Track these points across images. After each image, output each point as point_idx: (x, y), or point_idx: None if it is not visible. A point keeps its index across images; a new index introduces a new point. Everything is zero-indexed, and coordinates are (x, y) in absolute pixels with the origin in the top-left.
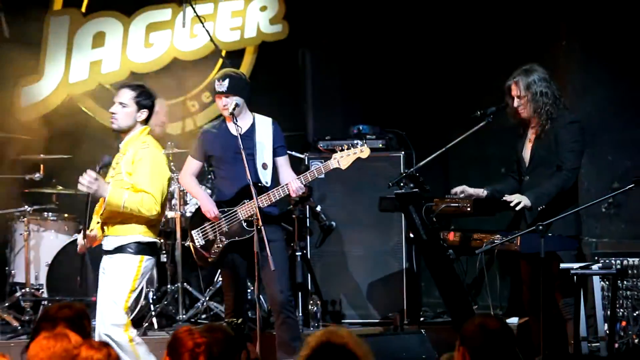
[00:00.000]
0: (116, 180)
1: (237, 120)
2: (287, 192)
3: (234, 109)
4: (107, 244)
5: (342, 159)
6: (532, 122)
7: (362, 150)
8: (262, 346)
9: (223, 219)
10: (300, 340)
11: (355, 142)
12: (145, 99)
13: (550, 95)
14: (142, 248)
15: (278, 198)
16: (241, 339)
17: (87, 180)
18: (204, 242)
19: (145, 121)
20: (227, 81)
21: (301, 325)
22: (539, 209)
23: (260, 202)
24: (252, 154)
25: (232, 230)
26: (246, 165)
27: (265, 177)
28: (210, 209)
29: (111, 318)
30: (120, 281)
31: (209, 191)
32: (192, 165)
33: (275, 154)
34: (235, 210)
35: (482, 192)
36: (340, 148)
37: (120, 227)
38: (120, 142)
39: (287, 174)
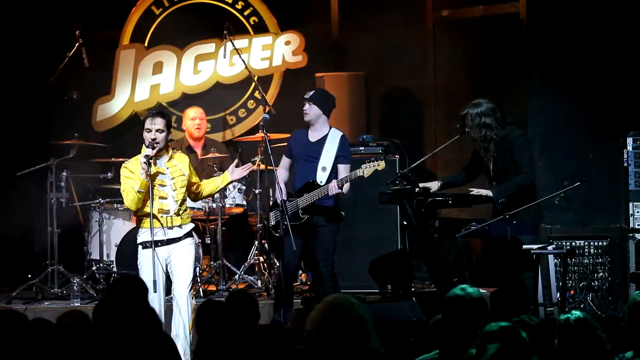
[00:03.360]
0: (177, 181)
1: (265, 131)
2: (327, 192)
3: (263, 121)
4: (178, 233)
5: (366, 170)
6: None
7: (379, 164)
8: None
9: (289, 206)
10: None
11: (374, 158)
12: (170, 122)
13: (494, 126)
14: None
15: (321, 196)
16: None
17: (144, 161)
18: (274, 223)
19: None
20: (313, 92)
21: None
22: (500, 201)
23: (310, 197)
24: (317, 158)
25: (292, 215)
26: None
27: (321, 178)
28: (276, 197)
29: (189, 284)
30: (193, 258)
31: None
32: (283, 161)
33: (337, 161)
34: (296, 201)
35: (436, 184)
36: (366, 161)
37: (187, 216)
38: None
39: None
